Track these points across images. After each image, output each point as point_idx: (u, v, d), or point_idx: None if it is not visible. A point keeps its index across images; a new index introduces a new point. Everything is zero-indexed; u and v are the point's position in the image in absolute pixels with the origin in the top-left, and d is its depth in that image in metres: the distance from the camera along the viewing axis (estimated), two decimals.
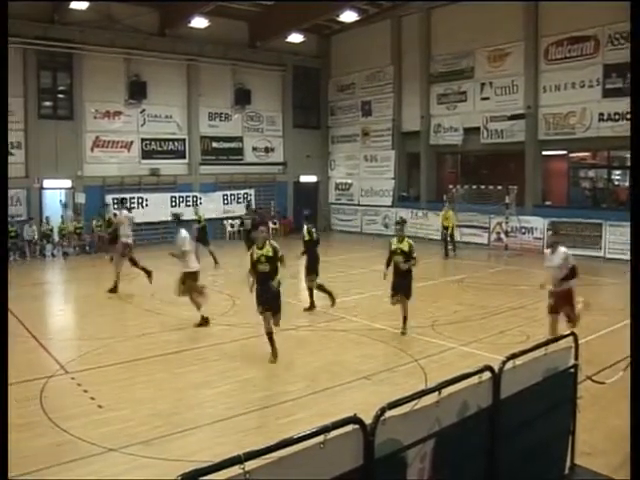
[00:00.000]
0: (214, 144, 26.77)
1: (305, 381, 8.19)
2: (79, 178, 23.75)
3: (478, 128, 23.84)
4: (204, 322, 11.23)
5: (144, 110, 24.99)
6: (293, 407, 7.22)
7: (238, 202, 26.72)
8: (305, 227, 12.77)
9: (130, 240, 15.31)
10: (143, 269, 15.01)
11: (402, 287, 10.28)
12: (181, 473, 2.37)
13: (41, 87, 23.34)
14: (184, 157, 26.18)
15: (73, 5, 21.89)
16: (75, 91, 23.78)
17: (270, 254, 8.64)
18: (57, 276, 19.88)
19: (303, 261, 12.56)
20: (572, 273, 8.34)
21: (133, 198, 24.44)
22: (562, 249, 8.48)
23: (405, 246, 10.23)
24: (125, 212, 16.49)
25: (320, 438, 2.81)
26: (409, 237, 10.71)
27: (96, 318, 12.40)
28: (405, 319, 10.40)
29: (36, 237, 22.58)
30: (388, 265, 10.49)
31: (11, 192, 22.58)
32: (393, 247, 10.39)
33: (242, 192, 26.99)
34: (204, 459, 4.36)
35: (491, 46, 23.27)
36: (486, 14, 22.84)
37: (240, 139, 27.49)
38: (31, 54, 22.71)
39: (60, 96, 24.02)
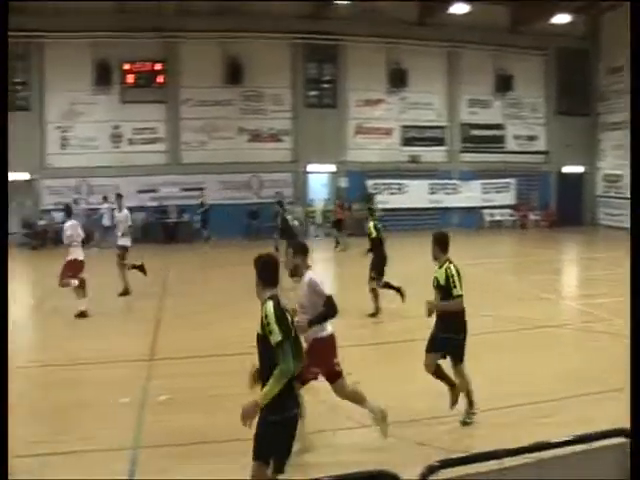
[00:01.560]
0: (474, 131, 26.38)
1: (563, 382, 7.35)
2: (342, 164, 24.53)
3: None
4: None
5: (404, 97, 25.44)
6: (551, 408, 6.54)
7: (498, 191, 25.72)
8: (371, 223, 11.57)
9: None
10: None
11: None
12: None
13: (307, 78, 24.83)
14: (443, 144, 26.00)
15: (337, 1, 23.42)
16: (339, 81, 25.02)
17: (442, 281, 6.13)
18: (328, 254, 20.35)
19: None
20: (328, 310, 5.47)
21: (393, 184, 24.61)
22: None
23: None
24: None
25: (583, 446, 2.73)
26: None
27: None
28: None
29: (302, 218, 23.40)
30: None
31: (279, 176, 23.92)
32: None
33: (503, 181, 25.92)
34: (452, 448, 4.68)
35: None
36: None
37: (500, 126, 26.81)
38: (298, 48, 24.43)
39: (325, 86, 25.36)
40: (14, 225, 21.95)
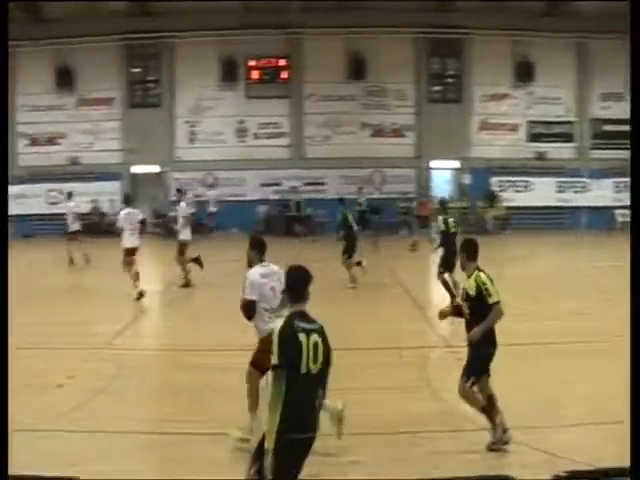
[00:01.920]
0: (606, 127, 25.20)
1: None
2: (466, 160, 24.12)
3: None
4: None
5: (531, 92, 24.74)
6: None
7: None
8: (440, 217, 11.47)
9: None
10: None
11: None
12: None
13: (431, 72, 24.59)
14: (572, 140, 25.05)
15: None
16: (463, 75, 24.65)
17: (471, 291, 5.49)
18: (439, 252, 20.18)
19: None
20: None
21: (518, 182, 23.95)
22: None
23: None
24: None
25: None
26: None
27: None
28: None
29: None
30: None
31: (402, 171, 23.77)
32: None
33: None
34: (579, 459, 4.46)
35: None
36: None
37: None
38: (422, 42, 24.24)
39: (449, 80, 25.04)
40: (146, 216, 22.98)
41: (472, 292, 5.40)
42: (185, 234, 13.23)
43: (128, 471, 5.14)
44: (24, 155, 25.78)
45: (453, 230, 11.21)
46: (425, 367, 7.86)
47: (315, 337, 3.60)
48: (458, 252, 6.25)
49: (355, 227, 13.26)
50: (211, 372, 7.91)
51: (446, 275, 11.05)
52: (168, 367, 8.61)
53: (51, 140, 25.49)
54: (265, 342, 5.14)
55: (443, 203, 12.66)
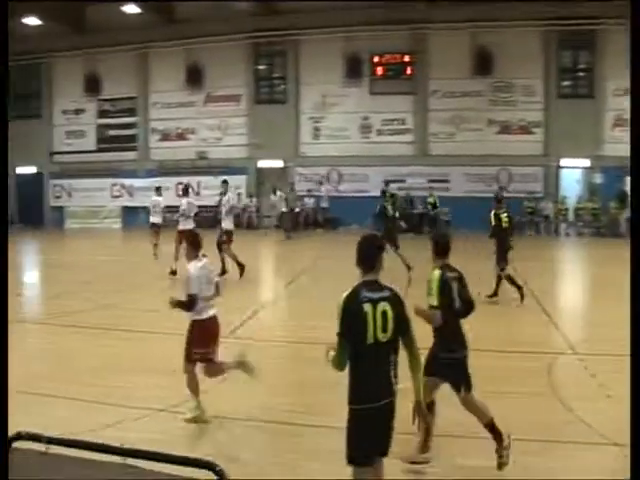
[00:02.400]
0: None
1: None
2: (597, 158, 23.34)
3: None
4: None
5: None
6: None
7: None
8: (493, 212, 11.53)
9: None
10: None
11: None
12: None
13: (561, 67, 23.98)
14: None
15: None
16: (596, 69, 23.85)
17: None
18: (568, 254, 19.60)
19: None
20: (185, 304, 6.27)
21: None
22: None
23: None
24: None
25: None
26: None
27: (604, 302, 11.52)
28: None
29: (551, 215, 22.67)
30: None
31: (529, 169, 23.34)
32: None
33: None
34: None
35: None
36: None
37: None
38: (551, 35, 23.68)
39: (580, 74, 24.31)
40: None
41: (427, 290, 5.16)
42: (228, 223, 13.99)
43: (246, 458, 5.42)
44: (155, 149, 27.35)
45: (505, 225, 11.41)
46: (551, 373, 7.66)
47: (384, 305, 3.60)
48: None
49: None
50: (330, 367, 8.20)
51: (507, 270, 11.36)
52: (290, 359, 8.93)
53: (181, 135, 26.88)
54: (189, 331, 6.19)
55: (498, 198, 12.47)
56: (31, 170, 29.27)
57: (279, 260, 19.13)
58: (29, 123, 29.01)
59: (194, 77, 26.28)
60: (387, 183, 16.86)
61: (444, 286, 5.01)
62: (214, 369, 6.32)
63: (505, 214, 11.51)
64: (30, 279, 16.63)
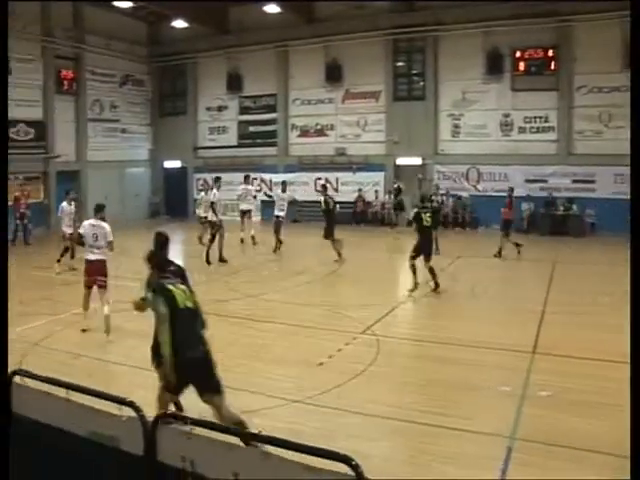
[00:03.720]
0: None
1: None
2: None
3: None
4: None
5: None
6: None
7: None
8: (413, 210, 13.79)
9: None
10: None
11: None
12: None
13: None
14: None
15: None
16: None
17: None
18: None
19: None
20: None
21: None
22: None
23: None
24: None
25: None
26: None
27: None
28: None
29: None
30: None
31: None
32: None
33: None
34: None
35: None
36: None
37: None
38: None
39: None
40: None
41: None
42: (211, 216, 17.55)
43: (379, 455, 5.64)
44: (295, 145, 29.09)
45: (427, 224, 13.19)
46: None
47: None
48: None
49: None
50: (463, 367, 8.44)
51: (416, 261, 13.30)
52: (422, 358, 9.17)
53: (320, 132, 28.42)
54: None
55: (423, 199, 14.31)
56: (176, 164, 31.94)
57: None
58: (176, 120, 31.75)
59: (333, 74, 27.70)
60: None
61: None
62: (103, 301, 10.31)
63: (428, 213, 13.29)
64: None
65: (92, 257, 10.28)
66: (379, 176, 26.84)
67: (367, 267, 17.44)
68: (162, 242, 6.44)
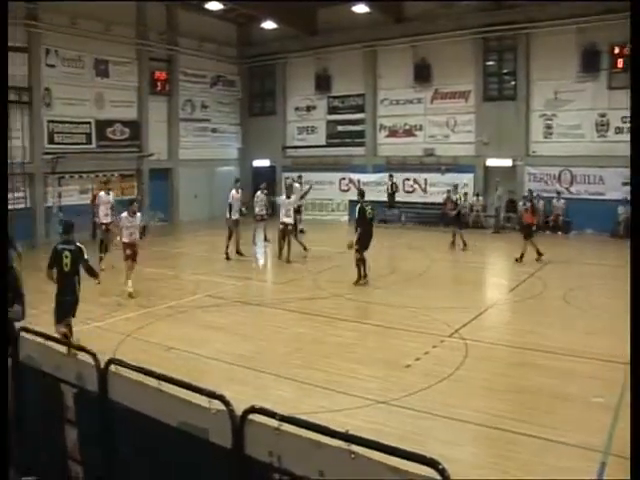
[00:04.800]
0: None
1: None
2: None
3: None
4: None
5: None
6: None
7: None
8: (358, 206, 15.05)
9: None
10: None
11: None
12: None
13: None
14: None
15: None
16: None
17: None
18: None
19: None
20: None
21: None
22: None
23: None
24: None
25: None
26: None
27: None
28: None
29: None
30: None
31: None
32: None
33: None
34: None
35: None
36: None
37: None
38: None
39: None
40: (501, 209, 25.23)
41: None
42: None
43: (463, 460, 5.71)
44: (383, 145, 29.66)
45: (370, 217, 14.86)
46: None
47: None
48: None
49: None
50: (553, 375, 8.32)
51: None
52: (511, 364, 9.09)
53: (408, 132, 28.86)
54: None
55: (362, 194, 15.59)
56: (265, 163, 33.15)
57: (503, 260, 20.23)
58: (265, 120, 32.85)
59: (422, 74, 27.85)
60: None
61: (55, 254, 8.83)
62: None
63: (369, 207, 14.84)
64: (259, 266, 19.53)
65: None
66: (468, 177, 27.03)
67: (455, 269, 17.63)
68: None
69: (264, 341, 10.42)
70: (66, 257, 8.71)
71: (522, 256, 17.83)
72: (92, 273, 9.16)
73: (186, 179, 29.73)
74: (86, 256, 8.94)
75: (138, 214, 13.90)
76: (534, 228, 18.76)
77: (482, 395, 7.71)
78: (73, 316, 8.99)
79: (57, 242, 9.15)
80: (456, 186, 23.96)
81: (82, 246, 8.96)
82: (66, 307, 8.81)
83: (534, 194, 22.06)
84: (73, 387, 4.79)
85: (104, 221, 16.56)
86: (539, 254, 17.92)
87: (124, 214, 13.64)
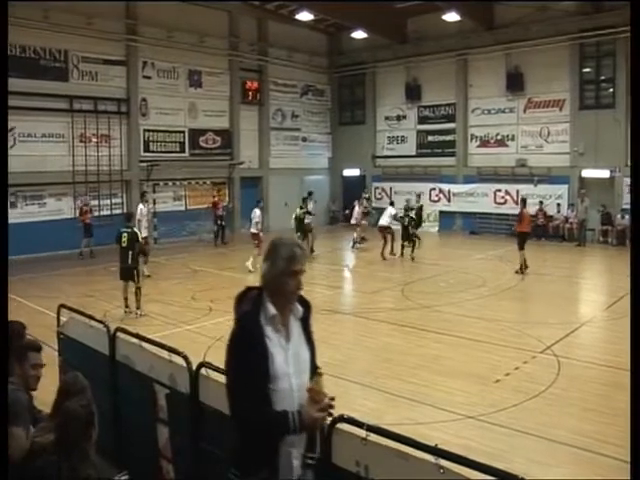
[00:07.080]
0: None
1: None
2: None
3: None
4: None
5: None
6: None
7: None
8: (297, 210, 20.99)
9: None
10: None
11: None
12: None
13: None
14: None
15: None
16: None
17: None
18: None
19: None
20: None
21: None
22: None
23: None
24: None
25: None
26: None
27: None
28: None
29: None
30: None
31: None
32: None
33: None
34: None
35: None
36: None
37: None
38: None
39: None
40: (595, 223, 25.00)
41: None
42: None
43: None
44: (474, 156, 29.84)
45: (308, 221, 20.49)
46: None
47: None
48: None
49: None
50: None
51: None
52: (605, 384, 8.78)
53: (500, 142, 28.91)
54: None
55: (304, 200, 20.93)
56: (355, 172, 33.96)
57: (598, 275, 20.01)
58: (355, 129, 33.55)
59: (515, 82, 27.56)
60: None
61: (118, 235, 12.91)
62: None
63: (302, 211, 20.13)
64: (348, 274, 20.02)
65: None
66: (562, 189, 26.72)
67: (549, 284, 17.27)
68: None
69: (347, 351, 10.63)
70: (124, 237, 12.78)
71: (521, 268, 18.31)
72: (143, 252, 14.07)
73: (276, 187, 30.68)
74: (140, 239, 13.33)
75: (257, 211, 19.19)
76: None
77: (575, 415, 7.59)
78: (132, 280, 12.72)
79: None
80: (541, 202, 24.10)
81: (137, 230, 13.43)
82: (124, 272, 12.83)
83: None
84: (166, 388, 5.09)
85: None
86: (525, 264, 18.28)
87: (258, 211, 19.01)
